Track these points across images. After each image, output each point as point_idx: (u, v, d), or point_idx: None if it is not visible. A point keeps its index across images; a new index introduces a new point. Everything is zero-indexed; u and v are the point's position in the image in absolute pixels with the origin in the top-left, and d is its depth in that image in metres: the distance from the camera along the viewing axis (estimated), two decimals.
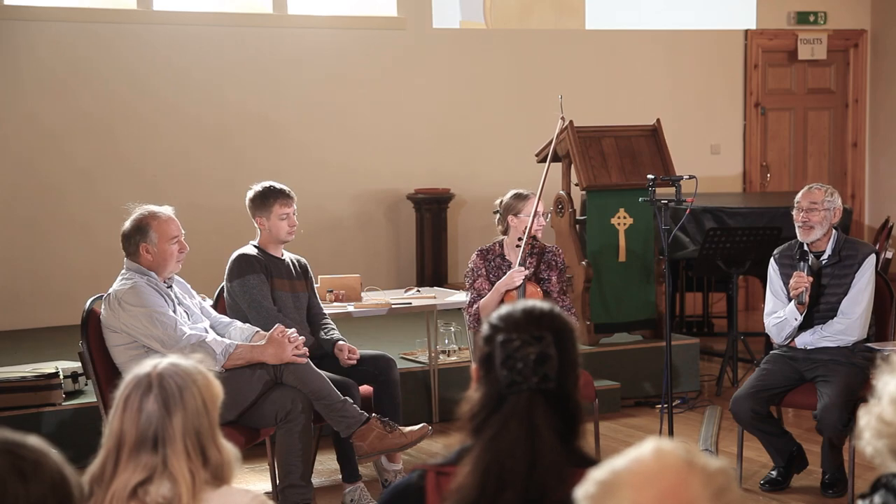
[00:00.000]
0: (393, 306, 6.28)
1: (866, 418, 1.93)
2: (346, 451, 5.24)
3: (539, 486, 2.03)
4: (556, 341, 2.13)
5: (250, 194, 5.45)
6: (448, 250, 9.49)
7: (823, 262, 5.39)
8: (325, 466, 5.87)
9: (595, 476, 1.53)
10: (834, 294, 5.38)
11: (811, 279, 5.31)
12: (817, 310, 5.40)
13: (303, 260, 5.62)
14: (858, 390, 5.12)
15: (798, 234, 5.41)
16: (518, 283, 5.53)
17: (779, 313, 5.44)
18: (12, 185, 8.44)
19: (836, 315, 5.38)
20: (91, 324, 4.88)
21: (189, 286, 5.18)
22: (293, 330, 5.08)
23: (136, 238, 4.88)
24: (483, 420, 2.12)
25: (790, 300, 5.42)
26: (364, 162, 9.43)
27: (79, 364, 5.98)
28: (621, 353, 7.29)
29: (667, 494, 1.48)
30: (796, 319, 5.36)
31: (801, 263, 5.35)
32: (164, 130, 8.85)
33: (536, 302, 2.20)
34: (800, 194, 5.43)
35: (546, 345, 2.12)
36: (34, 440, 1.63)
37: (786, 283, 5.47)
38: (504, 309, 2.20)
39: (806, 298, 5.31)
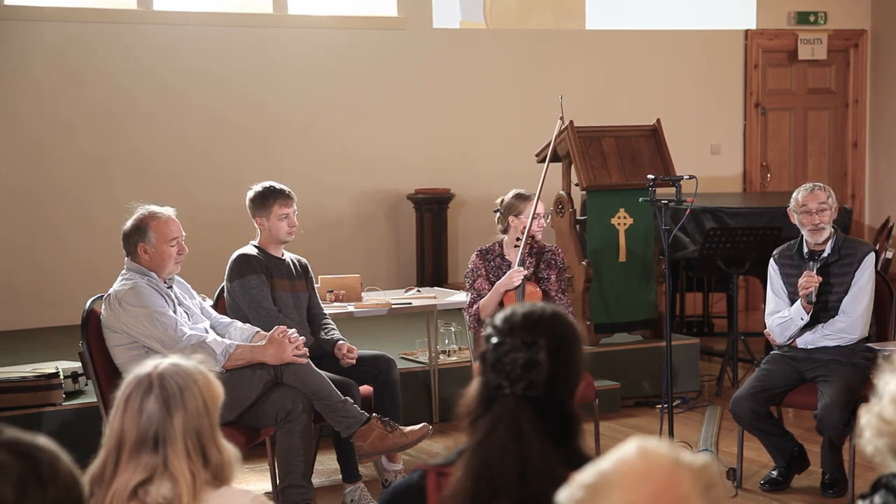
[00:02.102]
0: (393, 306, 6.28)
1: (867, 417, 1.93)
2: (347, 451, 5.24)
3: (531, 492, 2.03)
4: (551, 347, 2.12)
5: (250, 194, 5.45)
6: (448, 250, 9.49)
7: (825, 260, 5.39)
8: (326, 466, 5.87)
9: (580, 480, 1.51)
10: (835, 293, 5.38)
11: (821, 279, 5.31)
12: (819, 308, 5.39)
13: (303, 260, 5.61)
14: (859, 390, 5.12)
15: (808, 236, 5.39)
16: (517, 283, 5.53)
17: (783, 313, 5.44)
18: (12, 185, 8.44)
19: (837, 314, 5.38)
20: (91, 324, 4.88)
21: (189, 286, 5.18)
22: (293, 330, 5.08)
23: (134, 238, 4.88)
24: (476, 418, 2.12)
25: (791, 300, 5.42)
26: (364, 162, 9.43)
27: (79, 364, 5.98)
28: (621, 353, 7.29)
29: (659, 493, 1.47)
30: (802, 319, 5.36)
31: (811, 263, 5.34)
32: (164, 130, 8.84)
33: (541, 305, 2.19)
34: (800, 196, 5.40)
35: (536, 351, 2.11)
36: (46, 442, 1.63)
37: (786, 283, 5.47)
38: (509, 310, 2.19)
39: (815, 298, 5.31)
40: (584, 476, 1.51)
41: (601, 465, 1.52)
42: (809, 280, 5.30)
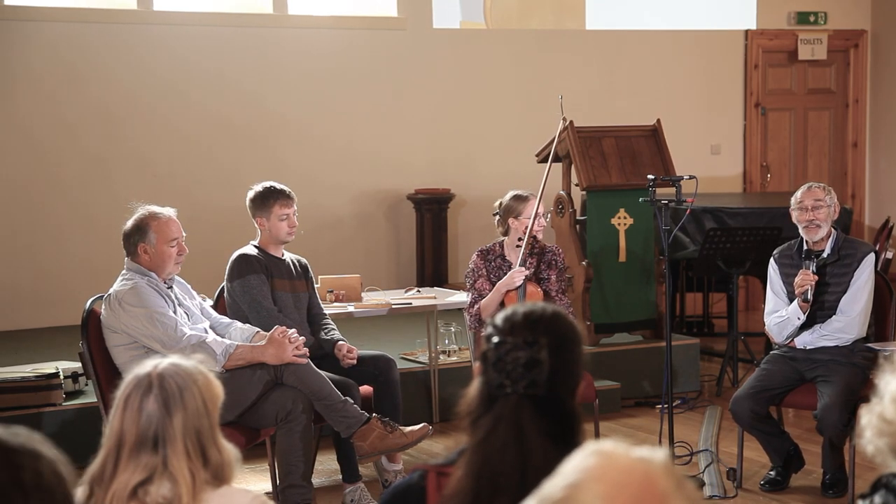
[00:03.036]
0: (393, 306, 6.27)
1: (867, 417, 1.93)
2: (347, 452, 5.24)
3: (532, 491, 2.03)
4: (552, 347, 2.12)
5: (250, 194, 5.45)
6: (448, 250, 9.49)
7: (824, 260, 5.39)
8: (326, 466, 5.87)
9: (547, 496, 1.43)
10: (833, 293, 5.38)
11: (816, 277, 5.31)
12: (817, 308, 5.39)
13: (303, 260, 5.61)
14: (858, 390, 5.13)
15: (803, 234, 5.40)
16: (518, 284, 5.53)
17: (780, 312, 5.44)
18: (12, 186, 8.44)
19: (835, 314, 5.38)
20: (91, 324, 4.88)
21: (189, 287, 5.17)
22: (293, 330, 5.08)
23: (135, 238, 4.88)
24: (477, 417, 2.12)
25: (791, 300, 5.42)
26: (364, 162, 9.43)
27: (79, 364, 5.98)
28: (621, 353, 7.29)
29: (640, 495, 1.42)
30: (799, 318, 5.36)
31: (808, 262, 5.34)
32: (164, 130, 8.84)
33: (541, 305, 2.19)
34: (799, 194, 5.43)
35: (537, 350, 2.11)
36: (24, 440, 1.59)
37: (786, 283, 5.47)
38: (509, 310, 2.20)
39: (811, 297, 5.31)
40: (550, 490, 1.44)
41: (567, 478, 1.44)
42: (805, 278, 5.30)
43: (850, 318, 5.36)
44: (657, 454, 1.47)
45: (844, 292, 5.37)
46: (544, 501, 1.44)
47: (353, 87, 9.40)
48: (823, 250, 5.41)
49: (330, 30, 9.36)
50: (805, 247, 5.45)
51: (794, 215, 5.43)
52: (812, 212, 5.35)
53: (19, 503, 1.53)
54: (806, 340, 5.42)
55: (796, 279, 5.33)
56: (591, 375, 5.83)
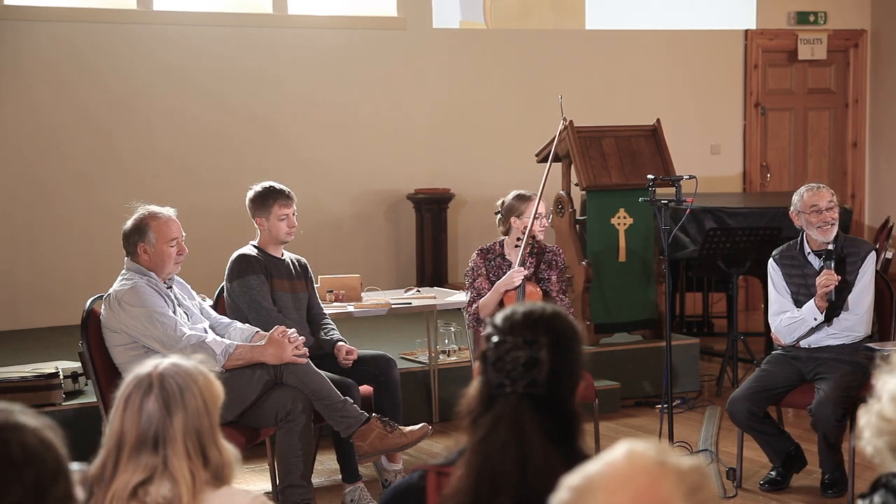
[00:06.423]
0: (393, 306, 6.28)
1: (866, 417, 1.93)
2: (347, 451, 5.24)
3: (531, 490, 2.03)
4: (552, 346, 2.12)
5: (250, 194, 5.45)
6: (448, 250, 9.49)
7: (842, 258, 5.39)
8: (325, 466, 5.88)
9: (568, 482, 1.53)
10: (838, 291, 5.37)
11: (840, 277, 5.29)
12: (831, 307, 5.36)
13: (303, 260, 5.61)
14: (855, 387, 5.13)
15: (818, 235, 5.35)
16: (517, 283, 5.53)
17: (793, 313, 5.40)
18: (12, 185, 8.44)
19: (841, 312, 5.37)
20: (91, 324, 4.88)
21: (189, 287, 5.17)
22: (293, 330, 5.08)
23: (134, 237, 4.88)
24: (477, 417, 2.13)
25: (795, 301, 5.40)
26: (364, 162, 9.43)
27: (79, 364, 5.99)
28: (621, 353, 7.29)
29: (640, 495, 1.48)
30: (816, 319, 5.33)
31: (829, 262, 5.32)
32: (164, 130, 8.85)
33: (541, 305, 2.20)
34: (807, 196, 5.36)
35: (537, 349, 2.11)
36: (6, 414, 1.57)
37: (790, 284, 5.45)
38: (509, 309, 2.20)
39: (833, 296, 5.29)
40: (572, 478, 1.53)
41: (589, 467, 1.53)
42: (830, 278, 5.26)
43: (860, 316, 5.36)
44: (685, 461, 1.53)
45: (850, 291, 5.37)
46: (565, 486, 1.52)
47: (352, 87, 9.40)
48: (824, 251, 5.41)
49: (330, 30, 9.36)
50: (807, 247, 5.44)
51: (806, 218, 5.37)
52: (828, 212, 5.34)
53: (12, 477, 1.52)
54: (812, 339, 5.41)
55: (819, 279, 5.27)
56: (591, 375, 5.83)
